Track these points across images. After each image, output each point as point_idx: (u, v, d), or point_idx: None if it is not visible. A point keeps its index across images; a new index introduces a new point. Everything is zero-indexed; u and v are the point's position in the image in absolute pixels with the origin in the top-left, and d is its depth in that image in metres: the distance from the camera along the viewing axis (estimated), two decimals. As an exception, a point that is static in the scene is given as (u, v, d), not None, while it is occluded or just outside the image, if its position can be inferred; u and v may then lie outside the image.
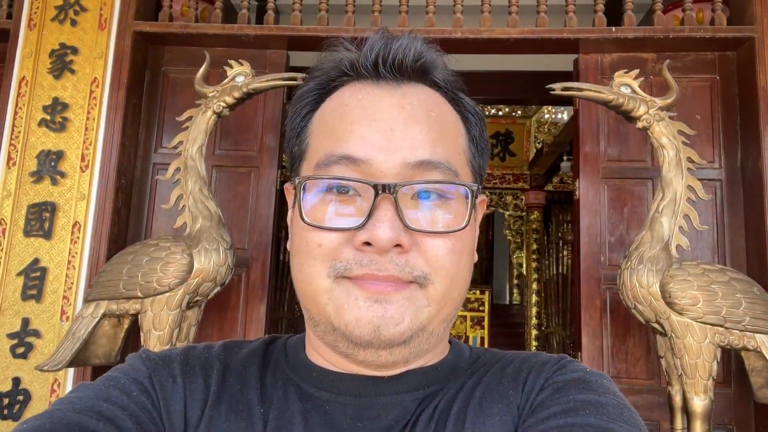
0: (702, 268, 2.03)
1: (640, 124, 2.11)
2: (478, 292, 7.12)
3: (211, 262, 2.14)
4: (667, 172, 2.08)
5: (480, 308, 7.05)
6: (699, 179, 2.16)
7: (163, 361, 0.64)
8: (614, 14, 2.74)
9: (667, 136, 2.09)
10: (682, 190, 2.08)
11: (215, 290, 2.22)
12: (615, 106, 2.12)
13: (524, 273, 8.11)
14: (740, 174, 2.58)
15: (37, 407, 2.45)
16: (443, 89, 0.65)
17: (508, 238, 8.59)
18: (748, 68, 2.54)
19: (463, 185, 0.59)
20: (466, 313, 7.00)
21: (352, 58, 0.62)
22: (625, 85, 2.12)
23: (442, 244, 0.57)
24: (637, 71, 2.17)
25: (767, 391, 2.15)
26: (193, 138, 2.24)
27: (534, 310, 7.18)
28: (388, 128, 0.58)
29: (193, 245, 2.16)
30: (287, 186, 0.66)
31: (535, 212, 7.69)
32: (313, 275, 0.57)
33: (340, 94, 0.63)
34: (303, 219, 0.57)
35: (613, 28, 2.60)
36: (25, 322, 2.50)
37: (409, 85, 0.62)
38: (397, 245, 0.55)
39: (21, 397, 2.46)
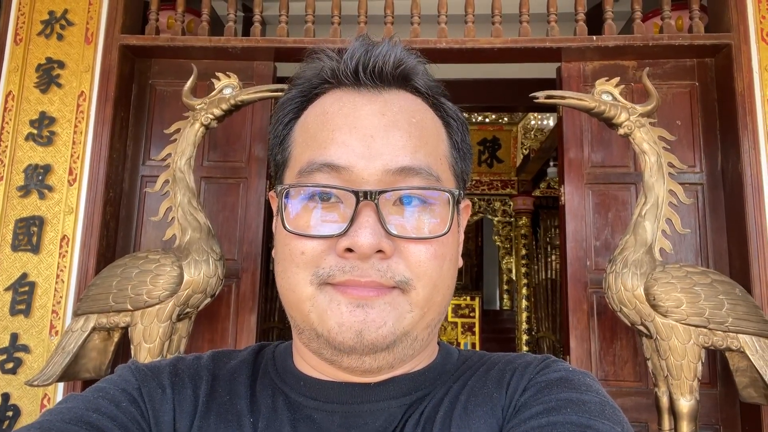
0: (685, 271, 2.05)
1: (621, 131, 2.15)
2: (468, 298, 7.14)
3: (201, 273, 2.14)
4: (649, 177, 2.11)
5: (471, 314, 7.06)
6: (680, 183, 2.19)
7: (152, 372, 0.64)
8: (595, 22, 2.79)
9: (648, 142, 2.13)
10: (664, 195, 2.11)
11: (205, 301, 2.22)
12: (597, 113, 2.16)
13: (514, 278, 8.14)
14: (721, 177, 2.62)
15: (26, 423, 2.42)
16: (424, 95, 0.65)
17: (497, 243, 8.63)
18: (726, 74, 2.59)
19: (444, 190, 0.59)
20: (457, 320, 7.01)
21: (333, 66, 0.63)
22: (607, 93, 2.15)
23: (425, 250, 0.57)
24: (617, 79, 2.20)
25: (752, 390, 2.17)
26: (181, 150, 2.25)
27: (524, 315, 7.21)
28: (369, 135, 0.58)
29: (182, 257, 2.16)
30: (271, 194, 0.66)
31: (524, 218, 7.74)
32: (296, 283, 0.58)
33: (322, 101, 0.63)
34: (285, 227, 0.58)
35: (594, 37, 2.64)
36: (14, 337, 2.48)
37: (390, 92, 0.62)
38: (379, 251, 0.55)
39: (10, 413, 2.43)
